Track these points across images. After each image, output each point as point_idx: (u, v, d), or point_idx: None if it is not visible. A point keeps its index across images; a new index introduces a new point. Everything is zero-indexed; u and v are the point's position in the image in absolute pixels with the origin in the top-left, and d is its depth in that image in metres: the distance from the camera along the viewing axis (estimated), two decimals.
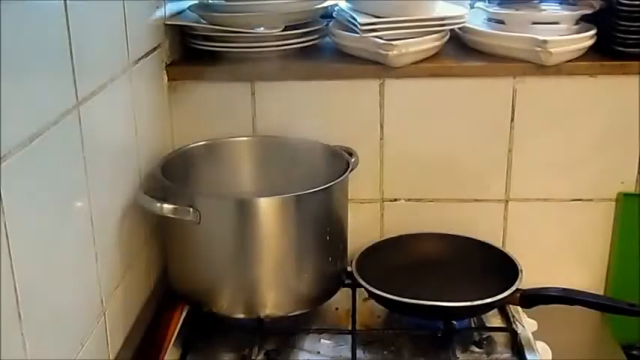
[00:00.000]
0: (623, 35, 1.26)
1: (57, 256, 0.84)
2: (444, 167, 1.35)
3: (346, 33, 1.32)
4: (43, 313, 0.80)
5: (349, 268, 1.24)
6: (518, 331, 1.15)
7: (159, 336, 1.16)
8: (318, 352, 1.15)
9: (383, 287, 1.18)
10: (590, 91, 1.29)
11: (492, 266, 1.25)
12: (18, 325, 0.74)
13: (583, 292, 1.17)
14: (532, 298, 1.16)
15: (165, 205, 1.06)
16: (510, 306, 1.21)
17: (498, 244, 1.32)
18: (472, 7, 1.44)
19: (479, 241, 1.29)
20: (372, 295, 1.18)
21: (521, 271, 1.18)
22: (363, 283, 1.18)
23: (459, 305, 1.14)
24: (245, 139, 1.31)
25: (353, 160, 1.21)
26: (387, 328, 1.21)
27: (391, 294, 1.15)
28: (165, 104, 1.31)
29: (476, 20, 1.38)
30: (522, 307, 1.18)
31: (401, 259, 1.30)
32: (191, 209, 1.06)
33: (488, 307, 1.17)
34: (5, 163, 0.71)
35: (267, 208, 1.09)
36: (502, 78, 1.30)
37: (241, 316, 1.14)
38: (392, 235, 1.33)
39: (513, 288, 1.15)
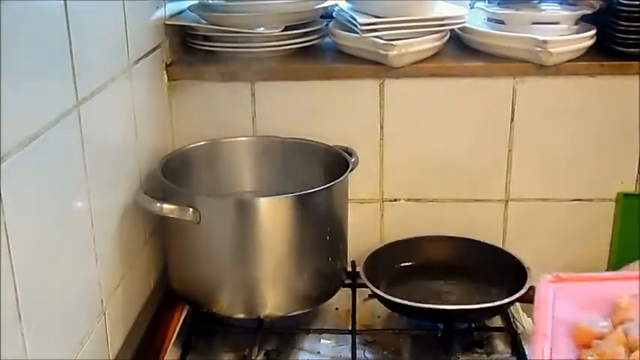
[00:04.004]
0: (623, 35, 1.26)
1: (57, 256, 0.84)
2: (444, 167, 1.35)
3: (346, 33, 1.32)
4: (43, 313, 0.80)
5: (349, 269, 1.24)
6: (518, 331, 1.16)
7: (159, 336, 1.16)
8: (318, 352, 1.15)
9: (390, 290, 1.18)
10: (590, 91, 1.29)
11: (495, 268, 1.25)
12: (18, 325, 0.74)
13: None
14: None
15: (166, 205, 1.06)
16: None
17: (498, 244, 1.32)
18: (472, 7, 1.44)
19: (484, 243, 1.29)
20: (379, 298, 1.18)
21: (529, 268, 1.18)
22: (370, 285, 1.18)
23: (478, 307, 1.15)
24: (245, 139, 1.31)
25: (353, 160, 1.21)
26: (387, 328, 1.21)
27: (398, 297, 1.15)
28: (165, 104, 1.31)
29: (476, 20, 1.38)
30: None
31: (408, 262, 1.31)
32: (191, 209, 1.06)
33: (504, 307, 1.17)
34: (5, 163, 0.71)
35: (267, 208, 1.09)
36: (502, 78, 1.30)
37: (241, 316, 1.14)
38: (395, 237, 1.33)
39: (527, 286, 1.15)
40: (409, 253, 1.31)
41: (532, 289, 1.16)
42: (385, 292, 1.17)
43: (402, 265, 1.30)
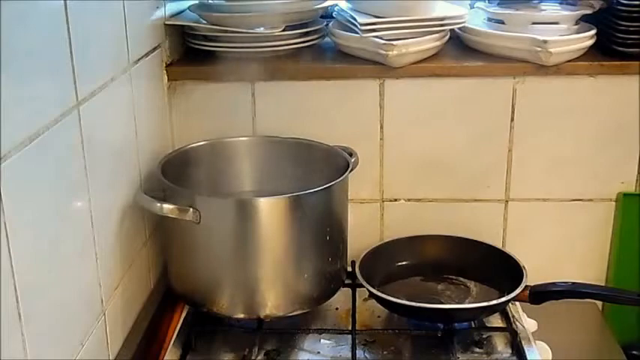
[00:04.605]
0: (623, 35, 1.26)
1: (57, 255, 0.84)
2: (444, 167, 1.35)
3: (346, 33, 1.32)
4: (43, 313, 0.80)
5: (349, 269, 1.24)
6: (518, 331, 1.15)
7: (159, 336, 1.16)
8: (318, 352, 1.15)
9: (386, 289, 1.18)
10: (590, 91, 1.29)
11: (492, 267, 1.25)
12: (18, 325, 0.74)
13: (592, 284, 1.17)
14: (542, 295, 1.16)
15: (166, 205, 1.06)
16: (510, 306, 1.21)
17: (498, 244, 1.32)
18: (472, 7, 1.44)
19: (480, 243, 1.29)
20: (375, 297, 1.18)
21: (524, 267, 1.19)
22: (367, 285, 1.18)
23: (474, 306, 1.15)
24: (245, 139, 1.31)
25: (353, 160, 1.21)
26: (387, 328, 1.21)
27: (396, 296, 1.15)
28: (165, 104, 1.31)
29: (476, 20, 1.38)
30: (532, 303, 1.17)
31: (405, 261, 1.30)
32: (191, 209, 1.06)
33: (499, 306, 1.17)
34: (5, 163, 0.71)
35: (267, 208, 1.09)
36: (502, 78, 1.30)
37: (241, 316, 1.14)
38: (395, 237, 1.33)
39: (522, 285, 1.15)
40: (406, 252, 1.31)
41: (528, 288, 1.16)
42: (382, 292, 1.17)
43: (399, 264, 1.30)
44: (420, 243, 1.32)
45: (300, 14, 1.31)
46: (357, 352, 1.11)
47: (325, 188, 1.11)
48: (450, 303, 1.20)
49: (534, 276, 1.18)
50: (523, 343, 1.13)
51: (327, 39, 1.38)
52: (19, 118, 0.74)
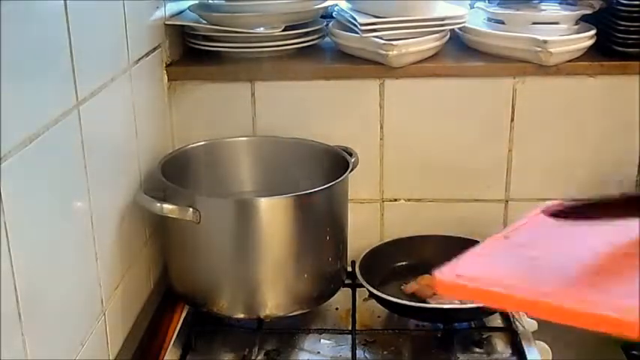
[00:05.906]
0: (623, 35, 1.26)
1: (57, 255, 0.84)
2: (444, 167, 1.35)
3: (346, 33, 1.32)
4: (43, 313, 0.80)
5: (349, 269, 1.24)
6: (518, 331, 1.15)
7: (159, 336, 1.16)
8: (318, 352, 1.15)
9: (386, 289, 1.18)
10: (590, 91, 1.29)
11: None
12: (18, 325, 0.74)
13: None
14: None
15: (165, 205, 1.06)
16: None
17: None
18: (472, 7, 1.44)
19: (475, 241, 1.29)
20: (375, 297, 1.18)
21: None
22: (367, 285, 1.18)
23: (476, 306, 1.15)
24: (245, 139, 1.31)
25: (353, 160, 1.21)
26: (387, 328, 1.21)
27: (395, 296, 1.15)
28: (165, 104, 1.31)
29: (476, 20, 1.38)
30: None
31: (405, 261, 1.30)
32: (191, 209, 1.06)
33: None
34: (5, 163, 0.71)
35: (267, 208, 1.09)
36: (502, 78, 1.30)
37: (241, 316, 1.14)
38: (395, 237, 1.33)
39: None
40: (406, 252, 1.31)
41: None
42: (382, 292, 1.17)
43: (399, 264, 1.30)
44: (420, 243, 1.32)
45: (300, 14, 1.31)
46: (357, 352, 1.11)
47: (325, 188, 1.11)
48: (450, 303, 1.20)
49: None
50: (523, 343, 1.13)
51: (327, 39, 1.38)
52: (19, 118, 0.74)
